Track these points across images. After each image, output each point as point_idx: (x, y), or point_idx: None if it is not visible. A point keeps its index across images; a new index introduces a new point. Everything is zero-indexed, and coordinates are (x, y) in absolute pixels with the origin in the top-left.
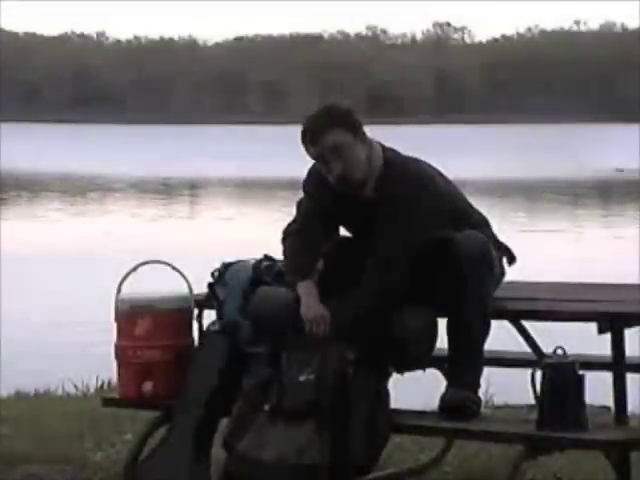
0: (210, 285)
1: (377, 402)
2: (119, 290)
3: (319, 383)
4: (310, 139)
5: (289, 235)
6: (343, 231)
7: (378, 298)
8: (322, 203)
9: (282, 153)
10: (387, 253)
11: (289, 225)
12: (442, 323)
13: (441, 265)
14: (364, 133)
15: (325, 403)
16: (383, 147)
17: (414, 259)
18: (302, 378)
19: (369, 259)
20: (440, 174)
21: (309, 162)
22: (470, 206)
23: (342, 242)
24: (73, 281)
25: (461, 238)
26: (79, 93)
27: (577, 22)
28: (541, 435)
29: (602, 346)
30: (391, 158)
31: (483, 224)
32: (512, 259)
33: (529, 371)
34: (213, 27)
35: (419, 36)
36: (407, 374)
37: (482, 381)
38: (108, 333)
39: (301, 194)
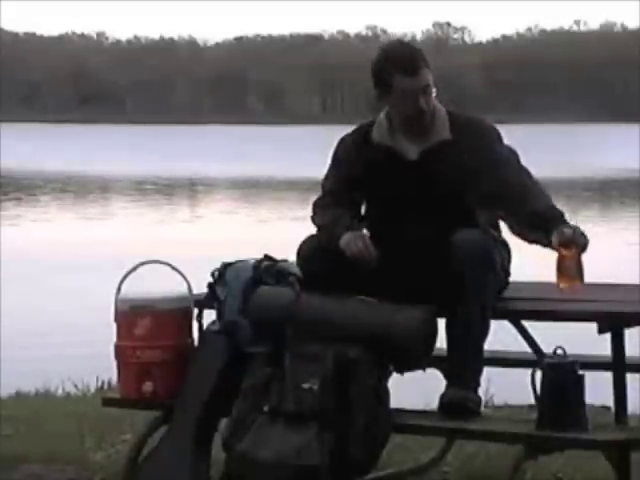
0: (210, 285)
1: (377, 402)
2: (119, 290)
3: (323, 392)
4: (408, 70)
5: (319, 209)
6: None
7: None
8: (351, 173)
9: (282, 153)
10: (526, 181)
11: (317, 201)
12: (442, 323)
13: (441, 264)
14: None
15: (328, 406)
16: None
17: (414, 258)
18: (306, 385)
19: (513, 187)
20: None
21: (309, 162)
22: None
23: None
24: (73, 281)
25: (461, 237)
26: (79, 93)
27: (577, 22)
28: (541, 435)
29: (602, 346)
30: (454, 110)
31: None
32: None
33: (529, 371)
34: (213, 27)
35: (419, 36)
36: (407, 374)
37: (482, 381)
38: (108, 333)
39: (300, 192)
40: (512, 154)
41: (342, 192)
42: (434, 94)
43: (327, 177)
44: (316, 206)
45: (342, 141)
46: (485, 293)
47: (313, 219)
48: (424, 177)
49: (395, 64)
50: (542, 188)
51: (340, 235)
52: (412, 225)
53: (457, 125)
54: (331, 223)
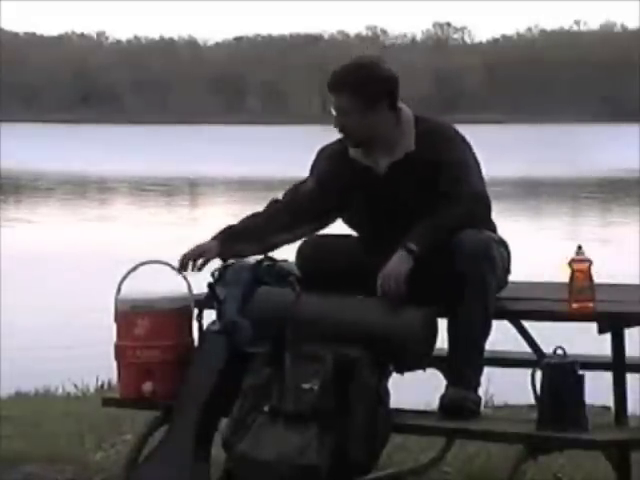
0: (210, 285)
1: (377, 402)
2: (119, 290)
3: (323, 392)
4: (328, 85)
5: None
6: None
7: (456, 223)
8: (328, 182)
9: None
10: (462, 189)
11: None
12: (442, 323)
13: (442, 264)
14: (388, 104)
15: (328, 406)
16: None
17: None
18: (306, 386)
19: (441, 198)
20: None
21: (308, 163)
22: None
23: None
24: (73, 281)
25: (462, 236)
26: (79, 93)
27: (577, 22)
28: (541, 435)
29: (602, 346)
30: (422, 116)
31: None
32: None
33: (529, 371)
34: (213, 27)
35: (419, 36)
36: (407, 374)
37: (482, 381)
38: (108, 333)
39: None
40: (464, 163)
41: (305, 200)
42: (372, 117)
43: (304, 181)
44: (273, 200)
45: (323, 150)
46: (487, 293)
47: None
48: (392, 190)
49: (329, 79)
50: (461, 210)
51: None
52: (392, 233)
53: (422, 134)
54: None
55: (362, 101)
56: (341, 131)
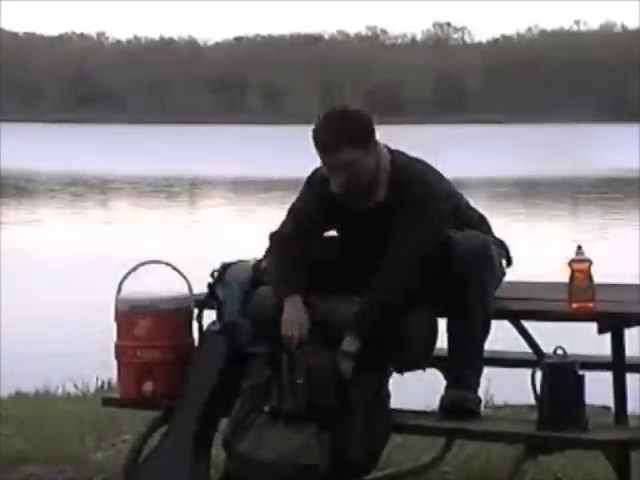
0: (210, 285)
1: (377, 402)
2: (119, 290)
3: (308, 385)
4: (322, 149)
5: (277, 243)
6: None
7: (394, 297)
8: (318, 208)
9: (282, 153)
10: (403, 253)
11: (277, 231)
12: (442, 323)
13: (441, 265)
14: (375, 141)
15: (324, 404)
16: (390, 150)
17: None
18: (300, 380)
19: (384, 260)
20: (442, 175)
21: (308, 163)
22: (469, 205)
23: (338, 243)
24: (73, 281)
25: (461, 238)
26: (79, 93)
27: (577, 22)
28: (541, 435)
29: (602, 346)
30: (399, 162)
31: (482, 222)
32: (509, 261)
33: (529, 371)
34: (213, 27)
35: (419, 36)
36: (407, 374)
37: (482, 381)
38: (108, 333)
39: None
40: (427, 226)
41: (305, 222)
42: (372, 161)
43: (292, 207)
44: (273, 238)
45: (316, 172)
46: (486, 293)
47: (269, 250)
48: (367, 232)
49: (315, 141)
50: (392, 279)
51: (284, 295)
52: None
53: (397, 185)
54: (279, 268)
55: (362, 146)
56: (348, 186)
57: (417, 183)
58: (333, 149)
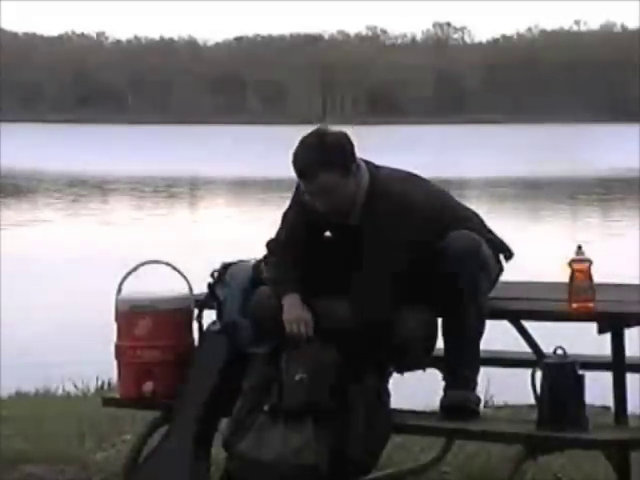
0: (210, 285)
1: (377, 402)
2: (119, 290)
3: (310, 382)
4: (299, 175)
5: (274, 249)
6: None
7: (360, 326)
8: (307, 216)
9: (282, 153)
10: (369, 285)
11: (273, 239)
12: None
13: (435, 265)
14: (356, 164)
15: (322, 402)
16: (370, 168)
17: (412, 261)
18: (297, 377)
19: (353, 288)
20: (423, 180)
21: None
22: (459, 204)
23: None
24: (73, 281)
25: (452, 238)
26: (79, 93)
27: (577, 22)
28: (541, 435)
29: (602, 346)
30: (376, 183)
31: (474, 220)
32: (509, 255)
33: (529, 371)
34: (213, 27)
35: (419, 36)
36: (407, 374)
37: (482, 381)
38: (108, 333)
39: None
40: (399, 244)
41: (298, 230)
42: (352, 183)
43: (286, 213)
44: (270, 245)
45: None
46: (478, 292)
47: (267, 256)
48: (351, 243)
49: (293, 165)
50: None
51: (282, 294)
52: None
53: (372, 208)
54: (277, 270)
55: (340, 170)
56: (329, 210)
57: (390, 209)
58: (310, 175)
